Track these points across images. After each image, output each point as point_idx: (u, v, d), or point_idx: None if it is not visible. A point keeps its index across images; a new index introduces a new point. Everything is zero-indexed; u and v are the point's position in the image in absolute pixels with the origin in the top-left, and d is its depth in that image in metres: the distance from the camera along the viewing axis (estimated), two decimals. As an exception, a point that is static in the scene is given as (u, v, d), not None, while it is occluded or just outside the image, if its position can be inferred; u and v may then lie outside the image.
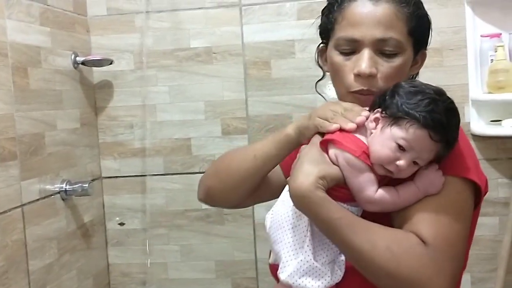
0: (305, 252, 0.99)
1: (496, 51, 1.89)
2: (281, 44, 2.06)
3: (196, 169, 2.13)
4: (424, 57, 1.16)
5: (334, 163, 0.99)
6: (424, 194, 0.98)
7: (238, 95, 2.09)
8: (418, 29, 1.09)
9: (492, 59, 1.91)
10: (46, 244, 1.74)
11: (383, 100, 1.00)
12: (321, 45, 1.19)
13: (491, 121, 1.97)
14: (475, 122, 1.97)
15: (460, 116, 2.04)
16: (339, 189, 0.98)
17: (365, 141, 0.99)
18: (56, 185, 1.82)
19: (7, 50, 1.60)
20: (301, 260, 0.99)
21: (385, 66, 1.06)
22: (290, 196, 0.99)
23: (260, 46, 2.07)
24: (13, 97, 1.61)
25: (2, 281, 1.50)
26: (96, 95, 2.16)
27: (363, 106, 1.06)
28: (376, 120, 0.99)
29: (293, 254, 1.00)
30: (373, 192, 0.96)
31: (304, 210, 0.98)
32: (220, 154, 2.08)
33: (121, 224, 2.19)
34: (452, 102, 1.00)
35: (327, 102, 1.12)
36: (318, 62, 1.21)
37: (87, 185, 1.87)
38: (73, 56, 1.98)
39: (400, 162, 0.95)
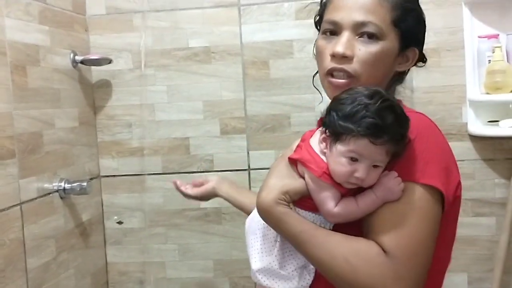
0: (273, 261, 1.04)
1: (493, 52, 1.90)
2: (280, 44, 2.07)
3: (194, 169, 2.13)
4: (414, 54, 1.14)
5: (301, 177, 1.03)
6: (383, 201, 0.99)
7: (236, 95, 2.10)
8: (404, 21, 1.09)
9: (489, 60, 1.92)
10: (44, 243, 1.74)
11: (325, 119, 1.02)
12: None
13: (488, 121, 1.98)
14: (472, 123, 1.98)
15: (458, 116, 2.05)
16: (307, 200, 1.02)
17: (324, 158, 1.02)
18: (54, 184, 1.82)
19: (5, 48, 1.60)
20: (268, 265, 1.04)
21: (362, 50, 1.07)
22: (257, 211, 1.04)
23: (258, 46, 2.08)
24: (12, 96, 1.61)
25: None
26: (95, 94, 2.16)
27: (335, 93, 1.06)
28: (325, 140, 1.02)
29: (260, 261, 1.05)
30: (332, 207, 0.99)
31: (268, 223, 1.04)
32: (218, 153, 2.11)
33: (119, 223, 2.19)
34: (385, 100, 0.97)
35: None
36: (314, 54, 1.19)
37: (85, 183, 1.87)
38: (71, 55, 1.98)
39: (358, 174, 0.97)
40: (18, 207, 1.61)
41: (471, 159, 2.00)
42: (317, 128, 1.07)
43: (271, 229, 1.05)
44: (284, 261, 1.05)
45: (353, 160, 0.96)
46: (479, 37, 1.96)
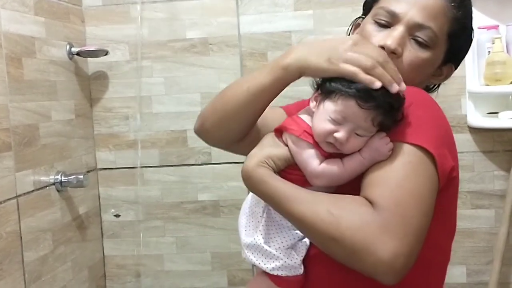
0: (257, 236, 1.04)
1: (493, 43, 1.88)
2: (278, 35, 2.05)
3: (192, 161, 2.12)
4: (450, 71, 1.13)
5: (286, 145, 1.03)
6: (371, 162, 0.96)
7: (234, 87, 2.08)
8: (458, 38, 1.08)
9: (489, 51, 1.90)
10: (41, 236, 1.73)
11: (321, 82, 1.01)
12: (359, 18, 1.16)
13: (488, 113, 1.97)
14: (471, 115, 1.97)
15: (457, 108, 2.05)
16: (292, 172, 1.01)
17: (309, 122, 1.01)
18: (51, 177, 1.81)
19: (1, 40, 1.58)
20: (253, 241, 1.05)
21: (411, 52, 1.04)
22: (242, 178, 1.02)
23: (256, 37, 2.06)
24: (7, 88, 1.60)
25: (-4, 273, 1.50)
26: (91, 86, 2.14)
27: None
28: (316, 99, 1.02)
29: (247, 236, 1.07)
30: (316, 165, 0.98)
31: (251, 189, 1.02)
32: (216, 146, 2.10)
33: (117, 216, 2.18)
34: None
35: (351, 37, 1.00)
36: (348, 34, 1.17)
37: (82, 176, 1.86)
38: (68, 47, 1.96)
39: (338, 134, 0.95)
40: (15, 200, 1.60)
41: (471, 151, 1.99)
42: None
43: (259, 206, 1.05)
44: (269, 238, 1.04)
45: (336, 121, 0.96)
46: (478, 28, 1.94)
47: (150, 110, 2.13)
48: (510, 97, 1.93)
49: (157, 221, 2.17)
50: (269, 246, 1.03)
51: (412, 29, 1.03)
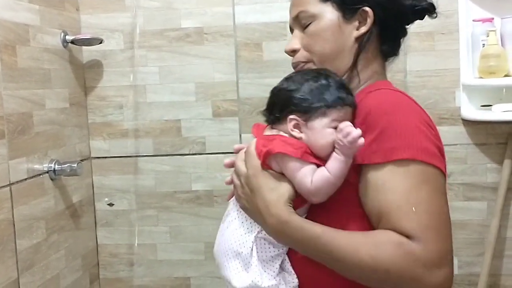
0: (254, 277, 1.02)
1: (488, 36, 1.89)
2: (273, 26, 2.05)
3: (186, 151, 2.12)
4: (365, 14, 1.14)
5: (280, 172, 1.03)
6: (349, 156, 0.98)
7: (229, 77, 2.08)
8: None
9: (483, 44, 1.91)
10: (34, 224, 1.73)
11: (283, 106, 1.06)
12: None
13: (482, 106, 1.98)
14: (465, 107, 1.98)
15: (451, 101, 2.05)
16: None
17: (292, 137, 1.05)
18: (44, 165, 1.81)
19: (-6, 27, 1.57)
20: (252, 284, 1.02)
21: (303, 38, 1.16)
22: (269, 233, 1.02)
23: (251, 28, 2.06)
24: (1, 76, 1.59)
25: (-11, 260, 1.50)
26: (86, 75, 2.14)
27: None
28: (297, 126, 1.04)
29: (240, 281, 1.03)
30: (309, 183, 0.99)
31: (286, 239, 1.01)
32: (211, 136, 2.10)
33: (110, 204, 2.18)
34: (324, 73, 1.08)
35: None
36: None
37: (75, 165, 1.85)
38: (62, 35, 1.96)
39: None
40: (8, 188, 1.60)
41: (464, 144, 2.00)
42: (258, 125, 1.13)
43: (245, 245, 1.04)
44: (265, 274, 1.03)
45: (335, 128, 1.01)
46: (473, 20, 1.95)
47: (144, 99, 2.13)
48: (504, 90, 1.94)
49: (150, 210, 2.17)
50: (270, 281, 1.02)
51: (298, 24, 1.17)
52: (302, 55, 1.17)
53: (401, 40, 1.23)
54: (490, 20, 1.92)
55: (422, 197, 0.96)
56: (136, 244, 2.19)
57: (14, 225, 1.62)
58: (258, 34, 2.05)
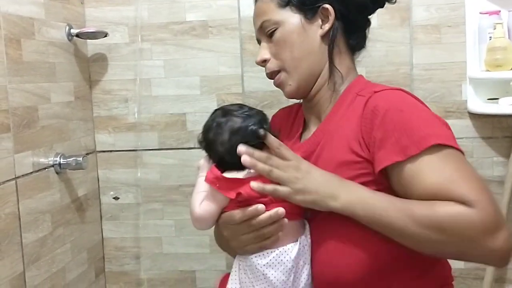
0: None
1: (494, 29, 1.87)
2: (278, 18, 2.04)
3: (191, 145, 2.12)
4: (326, 11, 1.17)
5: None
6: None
7: (234, 70, 2.08)
8: None
9: (490, 37, 1.89)
10: (40, 217, 1.73)
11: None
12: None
13: (488, 99, 1.97)
14: (472, 100, 1.97)
15: (457, 94, 2.05)
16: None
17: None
18: (50, 159, 1.81)
19: (-1, 21, 1.57)
20: None
21: (271, 47, 1.20)
22: (340, 204, 1.05)
23: (256, 21, 2.05)
24: (6, 69, 1.59)
25: (-5, 254, 1.50)
26: (91, 68, 2.13)
27: (284, 91, 1.23)
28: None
29: None
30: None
31: (357, 207, 1.04)
32: (215, 129, 2.09)
33: (116, 198, 2.19)
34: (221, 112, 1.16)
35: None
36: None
37: (81, 159, 1.85)
38: (67, 28, 1.95)
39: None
40: (13, 181, 1.60)
41: (470, 137, 1.99)
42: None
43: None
44: None
45: None
46: (480, 13, 1.93)
47: (149, 93, 2.13)
48: (510, 83, 1.93)
49: (155, 203, 2.18)
50: None
51: (264, 34, 1.21)
52: (273, 64, 1.20)
53: (366, 31, 1.24)
54: (497, 12, 1.91)
55: (466, 169, 1.01)
56: (141, 238, 2.19)
57: (19, 218, 1.62)
58: (263, 27, 2.05)
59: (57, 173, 1.84)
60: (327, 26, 1.16)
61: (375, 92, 1.11)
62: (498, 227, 0.96)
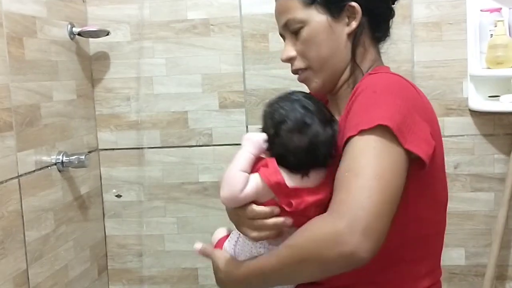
0: None
1: (495, 26, 1.87)
2: (280, 16, 2.04)
3: (192, 142, 2.13)
4: (353, 9, 1.14)
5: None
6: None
7: (235, 68, 2.08)
8: None
9: (491, 34, 1.89)
10: (43, 215, 1.74)
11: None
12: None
13: (489, 96, 1.97)
14: (473, 98, 1.97)
15: (458, 91, 2.05)
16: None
17: None
18: (52, 157, 1.82)
19: (2, 19, 1.58)
20: None
21: (297, 44, 1.16)
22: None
23: (258, 19, 2.05)
24: (8, 68, 1.60)
25: (-2, 251, 1.51)
26: (93, 67, 2.14)
27: (309, 88, 1.19)
28: None
29: None
30: None
31: None
32: (217, 127, 2.10)
33: (118, 196, 2.19)
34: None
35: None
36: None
37: (83, 157, 1.86)
38: (69, 27, 1.96)
39: None
40: (16, 179, 1.61)
41: (471, 134, 1.99)
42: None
43: None
44: None
45: None
46: (481, 10, 1.93)
47: (151, 91, 2.13)
48: (511, 81, 1.93)
49: (158, 201, 2.18)
50: None
51: (289, 30, 1.17)
52: (299, 62, 1.18)
53: (390, 22, 1.22)
54: (498, 10, 1.91)
55: (362, 167, 0.94)
56: (144, 235, 2.20)
57: (22, 216, 1.63)
58: (265, 25, 2.05)
59: (59, 171, 1.85)
60: (354, 24, 1.14)
61: (369, 74, 1.12)
62: (345, 240, 0.89)
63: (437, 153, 1.05)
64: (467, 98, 1.98)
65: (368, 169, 0.93)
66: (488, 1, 1.94)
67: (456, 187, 1.98)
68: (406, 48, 1.99)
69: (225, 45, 2.08)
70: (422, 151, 0.98)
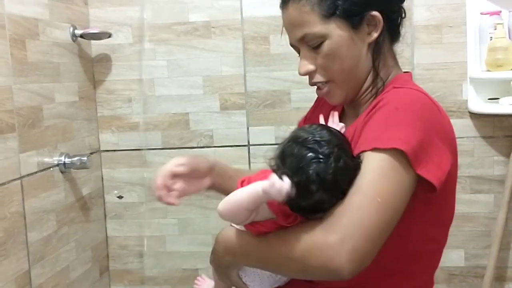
0: None
1: (495, 29, 1.88)
2: (281, 19, 2.03)
3: (194, 144, 2.14)
4: (374, 18, 1.10)
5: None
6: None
7: (236, 70, 2.09)
8: (336, 7, 1.08)
9: (491, 37, 1.90)
10: (45, 216, 1.75)
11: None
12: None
13: (489, 99, 1.98)
14: (472, 100, 1.98)
15: (458, 94, 2.05)
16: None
17: None
18: (54, 158, 1.83)
19: (4, 22, 1.59)
20: None
21: (318, 58, 1.10)
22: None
23: (259, 21, 2.06)
24: (11, 70, 1.61)
25: (0, 253, 1.52)
26: (95, 69, 2.15)
27: (326, 99, 1.16)
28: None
29: None
30: None
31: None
32: (218, 129, 2.11)
33: (120, 197, 2.20)
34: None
35: None
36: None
37: (85, 158, 1.87)
38: (71, 29, 1.97)
39: None
40: (19, 181, 1.62)
41: (471, 136, 2.00)
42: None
43: None
44: None
45: None
46: (481, 13, 1.94)
47: (152, 92, 2.14)
48: (511, 83, 1.94)
49: (159, 202, 2.17)
50: None
51: (305, 42, 1.10)
52: (320, 75, 1.12)
53: (403, 21, 1.19)
54: (498, 13, 1.92)
55: (366, 185, 0.93)
56: (145, 236, 2.21)
57: (25, 217, 1.64)
58: (266, 27, 2.06)
59: (61, 172, 1.86)
60: (375, 34, 1.10)
61: (394, 87, 1.09)
62: (331, 235, 0.90)
63: (451, 177, 1.04)
64: (467, 101, 1.99)
65: (371, 188, 0.93)
66: (488, 4, 1.94)
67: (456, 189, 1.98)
68: (406, 51, 1.98)
69: (226, 47, 2.08)
70: (434, 177, 0.97)
